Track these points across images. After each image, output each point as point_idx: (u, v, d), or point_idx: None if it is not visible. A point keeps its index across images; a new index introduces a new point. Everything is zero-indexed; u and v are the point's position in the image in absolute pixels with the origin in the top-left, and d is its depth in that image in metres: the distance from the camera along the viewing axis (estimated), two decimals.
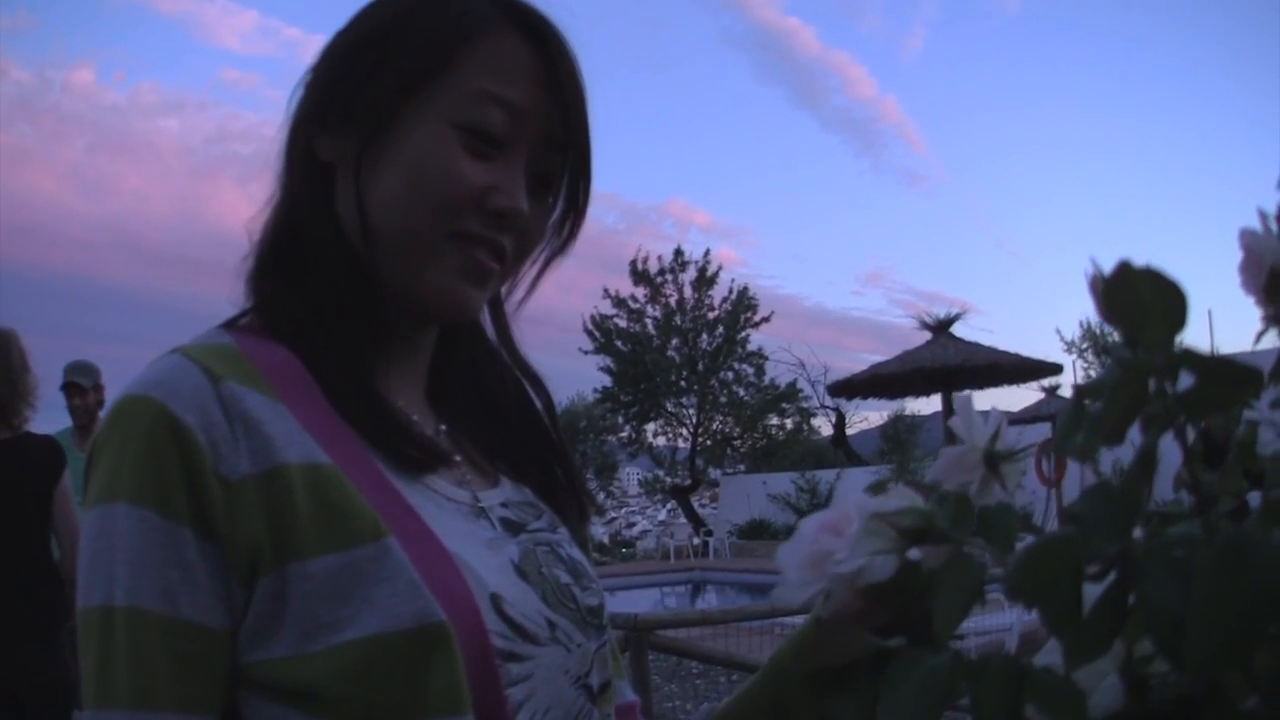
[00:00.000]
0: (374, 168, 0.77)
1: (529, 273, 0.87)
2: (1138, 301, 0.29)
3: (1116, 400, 0.29)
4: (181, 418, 0.66)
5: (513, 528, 0.81)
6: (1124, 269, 0.29)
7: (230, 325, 0.78)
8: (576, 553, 0.86)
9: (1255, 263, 0.46)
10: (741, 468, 26.87)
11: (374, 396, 0.76)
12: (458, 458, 0.84)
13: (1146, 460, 0.28)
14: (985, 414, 0.45)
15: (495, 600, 0.72)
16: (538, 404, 0.94)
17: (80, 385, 4.32)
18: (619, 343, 25.02)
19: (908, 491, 0.38)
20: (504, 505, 0.83)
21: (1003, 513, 0.37)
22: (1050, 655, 0.32)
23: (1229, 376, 0.28)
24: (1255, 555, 0.25)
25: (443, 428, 0.86)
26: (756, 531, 19.99)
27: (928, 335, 12.29)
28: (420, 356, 0.87)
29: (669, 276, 25.45)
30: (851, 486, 0.41)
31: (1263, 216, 0.45)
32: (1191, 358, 0.28)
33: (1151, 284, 0.29)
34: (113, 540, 0.65)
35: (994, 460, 0.44)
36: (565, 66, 0.79)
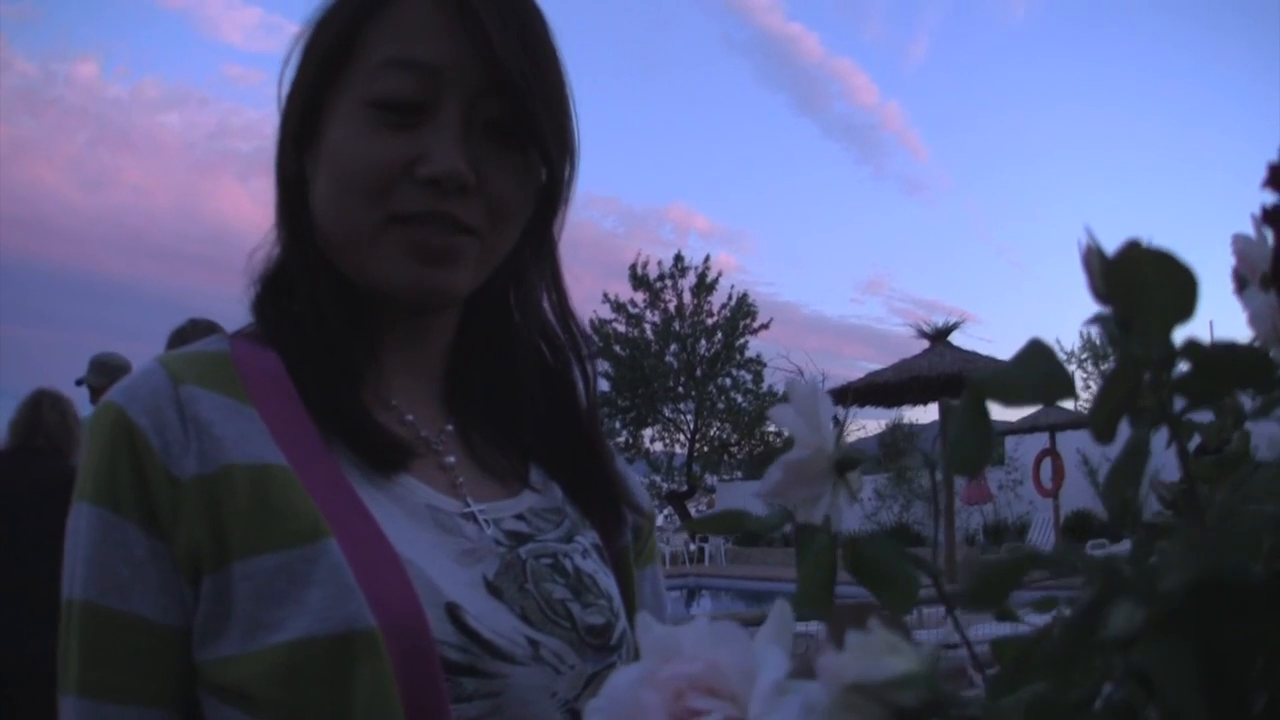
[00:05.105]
0: (314, 167, 0.76)
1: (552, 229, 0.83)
2: (1141, 285, 0.25)
3: (1110, 392, 0.26)
4: (135, 421, 0.69)
5: (519, 539, 0.78)
6: (1130, 249, 0.25)
7: (240, 332, 0.79)
8: (590, 564, 0.80)
9: (1248, 268, 0.46)
10: (739, 474, 26.83)
11: (341, 398, 0.74)
12: (451, 459, 0.80)
13: (1137, 455, 0.26)
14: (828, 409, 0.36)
15: (452, 610, 0.69)
16: (580, 391, 0.88)
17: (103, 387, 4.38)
18: (617, 347, 25.01)
19: (893, 639, 0.27)
20: (519, 516, 0.80)
21: (887, 550, 0.30)
22: None
23: (1231, 365, 0.25)
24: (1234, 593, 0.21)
25: (449, 428, 0.82)
26: (753, 539, 19.95)
27: (926, 344, 12.29)
28: (428, 349, 0.83)
29: (668, 282, 25.47)
30: (689, 631, 0.29)
31: (1256, 221, 0.45)
32: (1195, 349, 0.25)
33: (1159, 267, 0.25)
34: (77, 538, 0.69)
35: (845, 465, 0.35)
36: (485, 7, 0.72)
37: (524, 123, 0.74)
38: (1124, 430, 0.29)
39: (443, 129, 0.72)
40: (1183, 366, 0.26)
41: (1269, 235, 0.41)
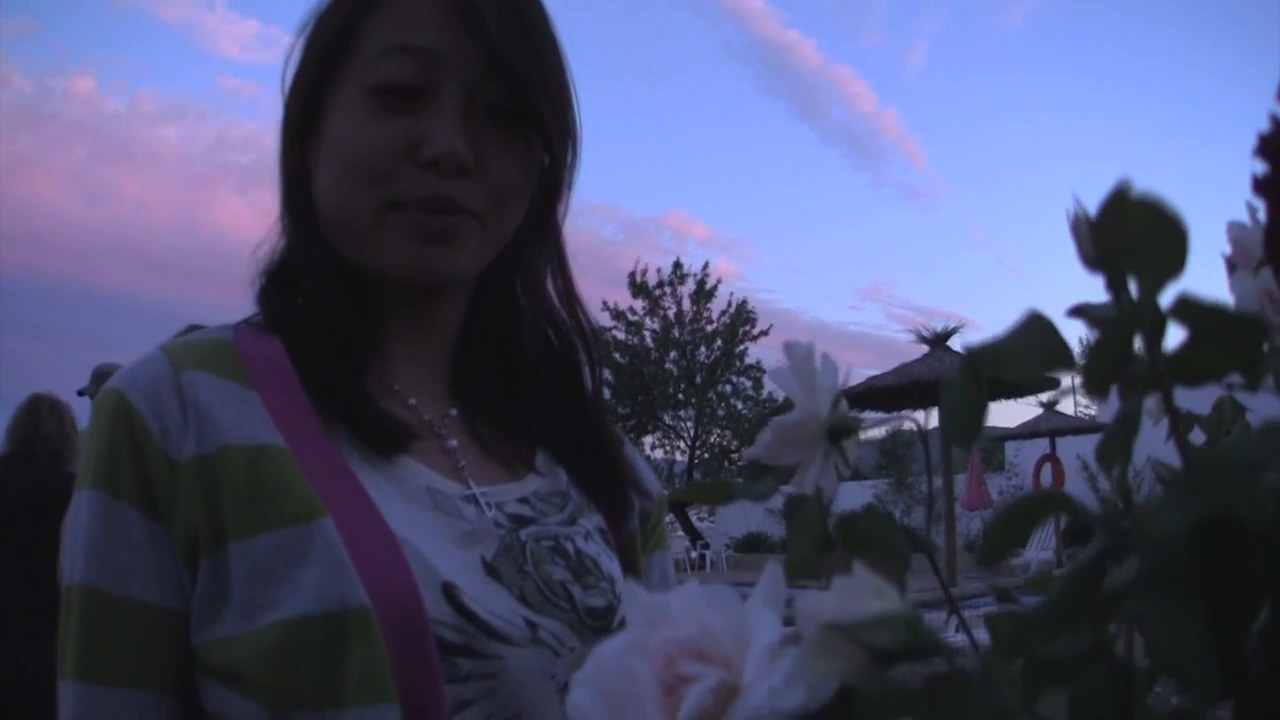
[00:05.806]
0: (316, 158, 0.77)
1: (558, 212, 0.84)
2: (1129, 240, 0.24)
3: (1100, 357, 0.25)
4: (135, 405, 0.69)
5: (521, 522, 0.78)
6: (1120, 196, 0.24)
7: (245, 321, 0.80)
8: (593, 547, 0.80)
9: (1244, 256, 0.47)
10: (739, 481, 26.73)
11: (339, 382, 0.75)
12: (454, 442, 0.80)
13: (1128, 425, 0.24)
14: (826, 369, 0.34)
15: (449, 590, 0.69)
16: (586, 375, 0.88)
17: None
18: (616, 355, 24.97)
19: (875, 580, 0.25)
20: (522, 500, 0.80)
21: (883, 525, 0.29)
22: None
23: (1226, 329, 0.24)
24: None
25: (453, 412, 0.83)
26: (754, 545, 19.92)
27: (925, 350, 12.27)
28: (433, 337, 0.83)
29: (667, 289, 25.45)
30: (680, 601, 0.27)
31: (1251, 210, 0.45)
32: (1187, 306, 0.24)
33: (1148, 216, 0.24)
34: (78, 523, 0.70)
35: (839, 432, 0.34)
36: None
37: (524, 106, 0.75)
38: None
39: (442, 113, 0.73)
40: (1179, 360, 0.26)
41: (1261, 212, 0.42)
